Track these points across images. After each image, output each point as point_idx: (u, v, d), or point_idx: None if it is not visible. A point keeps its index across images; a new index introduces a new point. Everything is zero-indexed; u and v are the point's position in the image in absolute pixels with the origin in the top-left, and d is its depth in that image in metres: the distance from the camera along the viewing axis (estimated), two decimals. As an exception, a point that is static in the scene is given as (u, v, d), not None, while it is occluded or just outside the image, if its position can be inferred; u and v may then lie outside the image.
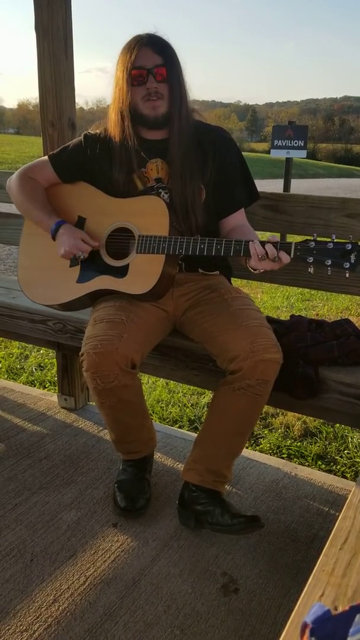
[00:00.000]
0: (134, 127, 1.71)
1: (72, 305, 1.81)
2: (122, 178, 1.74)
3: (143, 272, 1.66)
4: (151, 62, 1.64)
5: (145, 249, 1.65)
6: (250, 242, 1.52)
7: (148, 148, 1.75)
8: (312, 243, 1.48)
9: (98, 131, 1.81)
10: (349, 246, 1.44)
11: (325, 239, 1.48)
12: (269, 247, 1.49)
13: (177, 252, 1.61)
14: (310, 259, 1.47)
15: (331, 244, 1.46)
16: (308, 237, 1.51)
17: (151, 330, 1.70)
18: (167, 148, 1.73)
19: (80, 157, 1.81)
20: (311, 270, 1.49)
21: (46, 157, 1.87)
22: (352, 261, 1.43)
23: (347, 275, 1.46)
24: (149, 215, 1.67)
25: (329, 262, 1.45)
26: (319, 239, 1.48)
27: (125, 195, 1.74)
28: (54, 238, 1.75)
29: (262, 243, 1.51)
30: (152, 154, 1.75)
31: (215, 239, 1.57)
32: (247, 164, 1.84)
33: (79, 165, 1.82)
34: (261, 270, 1.54)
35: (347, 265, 1.44)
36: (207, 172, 1.74)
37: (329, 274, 1.49)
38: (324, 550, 0.90)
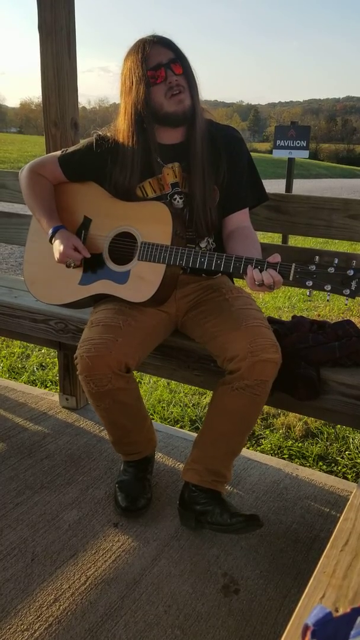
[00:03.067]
0: (151, 132, 1.68)
1: (75, 305, 1.82)
2: (125, 183, 1.72)
3: (143, 280, 1.65)
4: (166, 57, 1.62)
5: (146, 257, 1.64)
6: (249, 265, 1.49)
7: (164, 153, 1.72)
8: (313, 266, 1.43)
9: (109, 134, 1.77)
10: (351, 272, 1.39)
11: (327, 262, 1.43)
12: (266, 276, 1.45)
13: (177, 263, 1.60)
14: (310, 283, 1.43)
15: (332, 268, 1.41)
16: (311, 261, 1.46)
17: (150, 333, 1.70)
18: (183, 151, 1.72)
19: (91, 160, 1.79)
20: (309, 293, 1.47)
21: (57, 156, 1.85)
22: (353, 288, 1.39)
23: (347, 302, 1.44)
24: (153, 222, 1.66)
25: (328, 287, 1.41)
26: (320, 261, 1.43)
27: (133, 200, 1.74)
28: (51, 241, 1.76)
29: (262, 264, 1.47)
30: (168, 158, 1.73)
31: (216, 254, 1.55)
32: (255, 165, 1.83)
33: (89, 169, 1.80)
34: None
35: (346, 292, 1.39)
36: (220, 173, 1.74)
37: (328, 299, 1.48)
38: (324, 551, 0.90)
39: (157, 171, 1.73)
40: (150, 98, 1.63)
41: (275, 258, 1.48)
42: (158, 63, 1.61)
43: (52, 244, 1.75)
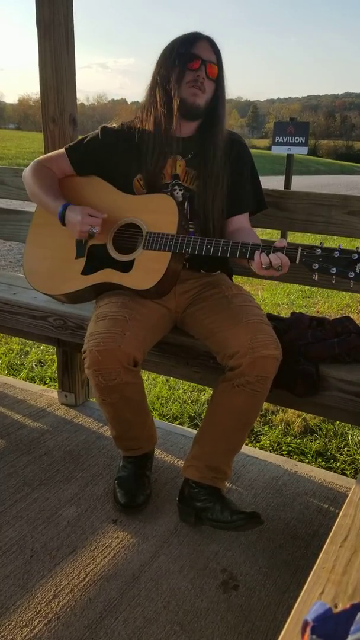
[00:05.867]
0: (169, 116, 1.70)
1: (75, 296, 1.81)
2: (156, 168, 1.74)
3: (148, 268, 1.66)
4: (207, 55, 1.68)
5: (151, 246, 1.65)
6: (256, 250, 1.52)
7: (170, 144, 1.74)
8: (319, 250, 1.47)
9: (116, 125, 1.81)
10: (355, 256, 1.43)
11: (332, 247, 1.47)
12: (274, 258, 1.49)
13: (183, 251, 1.62)
14: (316, 266, 1.47)
15: (337, 252, 1.45)
16: (315, 245, 1.50)
17: (153, 327, 1.70)
18: (189, 146, 1.75)
19: (97, 150, 1.82)
20: (315, 277, 1.50)
21: (63, 149, 1.88)
22: (357, 271, 1.43)
23: (352, 284, 1.46)
24: (158, 213, 1.68)
25: (334, 270, 1.45)
26: (325, 246, 1.48)
27: (150, 187, 1.76)
28: (63, 222, 1.74)
29: (269, 249, 1.51)
30: (173, 150, 1.75)
31: (222, 240, 1.58)
32: (258, 173, 1.87)
33: (95, 159, 1.83)
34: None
35: (351, 274, 1.44)
36: (226, 177, 1.76)
37: (333, 282, 1.50)
38: (324, 547, 0.90)
39: (163, 161, 1.75)
40: (183, 80, 1.67)
41: (282, 242, 1.52)
42: (198, 55, 1.67)
43: (64, 223, 1.73)
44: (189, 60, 1.66)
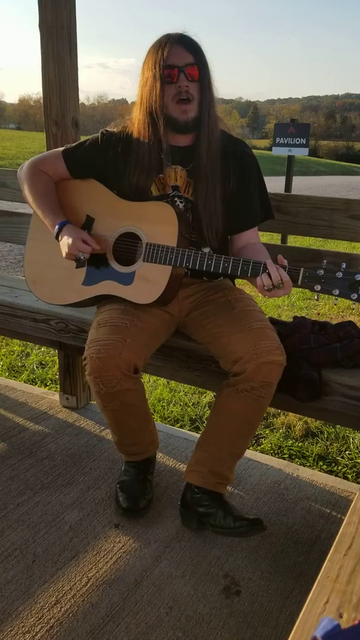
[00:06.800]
0: (162, 130, 1.66)
1: (78, 305, 1.81)
2: (140, 181, 1.71)
3: (149, 281, 1.64)
4: (182, 60, 1.60)
5: (152, 258, 1.63)
6: (257, 268, 1.50)
7: (169, 154, 1.70)
8: (321, 271, 1.45)
9: (116, 130, 1.77)
10: (359, 276, 1.41)
11: (334, 267, 1.45)
12: (274, 275, 1.46)
13: (183, 265, 1.60)
14: (318, 288, 1.45)
15: (340, 272, 1.43)
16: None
17: (154, 333, 1.70)
18: (189, 156, 1.71)
19: (96, 155, 1.78)
20: (317, 297, 1.49)
21: (60, 151, 1.83)
22: None
23: (353, 305, 1.46)
24: (158, 223, 1.65)
25: (336, 292, 1.43)
26: (327, 266, 1.45)
27: (137, 199, 1.72)
28: (57, 238, 1.73)
29: (270, 269, 1.48)
30: (172, 160, 1.71)
31: (223, 257, 1.55)
32: (265, 182, 1.82)
33: (93, 164, 1.79)
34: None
35: (354, 296, 1.41)
36: (228, 185, 1.72)
37: (336, 303, 1.49)
38: (328, 556, 0.89)
39: (161, 170, 1.72)
40: (163, 95, 1.62)
41: (282, 261, 1.49)
42: (173, 64, 1.59)
43: (58, 240, 1.72)
44: (166, 74, 1.59)
